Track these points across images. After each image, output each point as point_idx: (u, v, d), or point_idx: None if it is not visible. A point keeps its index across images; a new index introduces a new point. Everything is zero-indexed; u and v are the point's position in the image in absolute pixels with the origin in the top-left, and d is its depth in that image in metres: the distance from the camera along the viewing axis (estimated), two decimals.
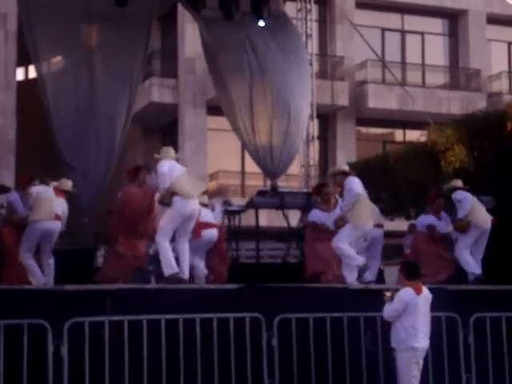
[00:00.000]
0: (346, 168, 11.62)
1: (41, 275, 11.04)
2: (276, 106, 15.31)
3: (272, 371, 9.05)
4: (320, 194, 12.43)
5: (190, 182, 10.52)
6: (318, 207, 12.36)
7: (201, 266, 11.95)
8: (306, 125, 16.40)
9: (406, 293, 8.76)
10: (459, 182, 12.49)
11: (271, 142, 15.32)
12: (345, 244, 10.92)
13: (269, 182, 16.36)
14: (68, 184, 11.65)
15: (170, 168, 10.44)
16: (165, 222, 10.32)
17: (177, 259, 10.40)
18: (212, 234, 12.12)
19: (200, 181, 12.01)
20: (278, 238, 18.50)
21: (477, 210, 12.11)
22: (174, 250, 10.48)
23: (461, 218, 12.10)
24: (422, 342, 8.77)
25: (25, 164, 22.93)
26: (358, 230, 11.01)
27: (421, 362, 8.82)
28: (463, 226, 12.12)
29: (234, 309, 9.10)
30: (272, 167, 15.56)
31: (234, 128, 15.83)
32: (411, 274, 8.91)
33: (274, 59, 15.50)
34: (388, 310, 8.83)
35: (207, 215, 12.06)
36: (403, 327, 8.70)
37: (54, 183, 11.47)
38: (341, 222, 11.05)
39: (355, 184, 11.15)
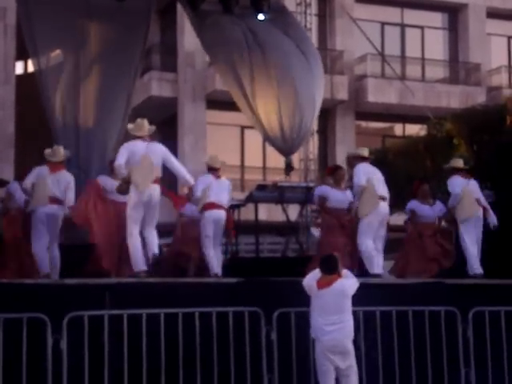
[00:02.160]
0: (364, 153, 11.67)
1: (46, 267, 10.69)
2: (282, 84, 15.08)
3: (271, 365, 9.07)
4: (334, 174, 12.39)
5: (145, 170, 10.32)
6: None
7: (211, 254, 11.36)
8: (321, 100, 16.05)
9: (307, 281, 8.92)
10: (459, 162, 12.29)
11: (281, 119, 15.09)
12: (368, 247, 11.19)
13: (268, 177, 16.29)
14: (60, 153, 11.17)
15: (129, 154, 10.34)
16: (129, 209, 10.41)
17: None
18: (216, 214, 11.38)
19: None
20: (277, 232, 18.50)
21: (463, 202, 11.93)
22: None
23: (450, 209, 12.07)
24: (328, 335, 8.64)
25: (24, 157, 22.90)
26: (370, 220, 11.24)
27: (335, 357, 8.67)
28: (449, 219, 12.18)
29: (233, 303, 9.11)
30: (284, 145, 15.39)
31: (245, 112, 15.58)
32: (324, 267, 8.90)
33: (276, 40, 15.32)
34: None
35: (217, 194, 11.47)
36: (313, 319, 8.76)
37: (47, 154, 11.09)
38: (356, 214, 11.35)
39: (359, 173, 11.31)
